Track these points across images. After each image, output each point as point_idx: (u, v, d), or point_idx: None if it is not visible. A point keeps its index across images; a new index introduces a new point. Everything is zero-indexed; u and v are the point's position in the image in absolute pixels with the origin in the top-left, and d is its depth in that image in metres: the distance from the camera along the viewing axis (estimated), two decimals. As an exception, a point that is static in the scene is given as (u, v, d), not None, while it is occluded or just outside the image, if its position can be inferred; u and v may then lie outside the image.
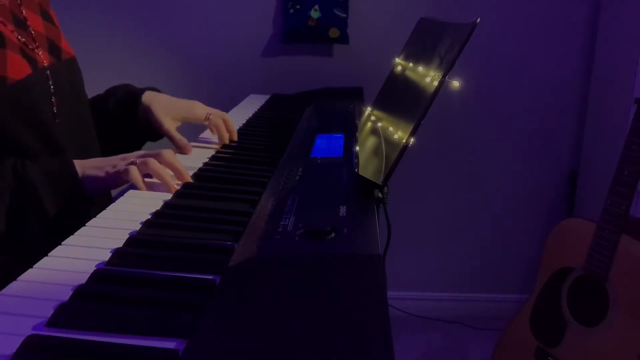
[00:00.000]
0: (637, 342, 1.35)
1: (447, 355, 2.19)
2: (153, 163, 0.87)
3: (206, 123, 1.16)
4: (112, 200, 1.02)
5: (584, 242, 1.49)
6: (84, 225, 0.73)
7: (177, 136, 1.13)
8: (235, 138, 1.19)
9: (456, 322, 2.33)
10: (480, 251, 2.36)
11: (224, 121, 1.17)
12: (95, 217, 0.76)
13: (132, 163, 0.87)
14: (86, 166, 0.88)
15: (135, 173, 0.86)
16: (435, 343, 2.24)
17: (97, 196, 0.90)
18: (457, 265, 2.38)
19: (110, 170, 0.87)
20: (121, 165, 0.87)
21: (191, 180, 0.90)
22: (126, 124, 1.16)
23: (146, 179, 0.89)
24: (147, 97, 1.15)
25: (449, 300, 2.40)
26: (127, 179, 0.86)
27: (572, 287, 1.54)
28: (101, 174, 0.87)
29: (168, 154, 0.89)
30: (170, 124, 1.13)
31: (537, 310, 1.64)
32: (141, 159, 0.88)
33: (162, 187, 0.87)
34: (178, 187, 0.87)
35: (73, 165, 0.87)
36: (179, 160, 0.91)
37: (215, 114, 1.17)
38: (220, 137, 1.16)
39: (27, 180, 0.82)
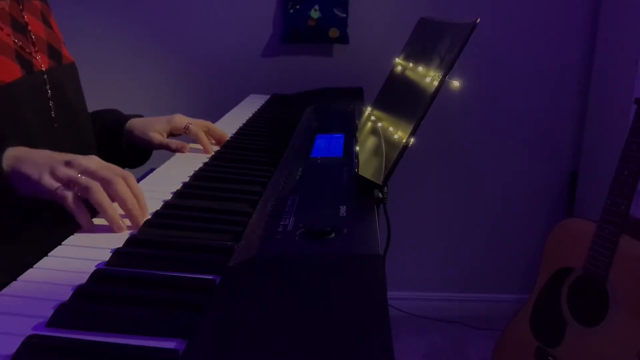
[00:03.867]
0: (637, 341, 1.35)
1: (447, 355, 2.19)
2: (97, 192, 0.70)
3: (186, 133, 1.15)
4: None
5: (584, 242, 1.49)
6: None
7: (171, 141, 1.13)
8: (227, 137, 1.18)
9: (456, 322, 2.33)
10: (480, 251, 2.36)
11: (209, 129, 1.16)
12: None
13: (72, 183, 0.70)
14: (25, 158, 0.73)
15: (72, 203, 0.69)
16: (435, 343, 2.24)
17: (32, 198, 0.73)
18: (457, 265, 2.38)
19: (47, 178, 0.71)
20: (61, 177, 0.71)
21: (142, 221, 0.72)
22: (109, 148, 1.16)
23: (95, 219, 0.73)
24: (129, 124, 1.16)
25: (449, 300, 2.40)
26: (62, 204, 0.70)
27: (572, 287, 1.54)
28: (36, 176, 0.71)
29: (121, 187, 0.71)
30: (158, 137, 1.14)
31: (537, 310, 1.64)
32: (85, 181, 0.70)
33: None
34: (123, 228, 0.71)
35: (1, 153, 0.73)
36: (138, 193, 0.74)
37: (196, 123, 1.16)
38: (203, 147, 1.12)
39: None
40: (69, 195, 0.70)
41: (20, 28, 0.95)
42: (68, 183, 0.71)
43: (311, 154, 1.01)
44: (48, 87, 0.96)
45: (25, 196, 0.73)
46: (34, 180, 0.71)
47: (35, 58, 0.96)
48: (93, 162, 0.73)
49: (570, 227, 1.60)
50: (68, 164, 0.72)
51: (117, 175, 0.72)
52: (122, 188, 0.72)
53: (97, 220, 0.74)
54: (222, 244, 0.67)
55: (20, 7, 0.97)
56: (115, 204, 0.72)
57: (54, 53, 1.01)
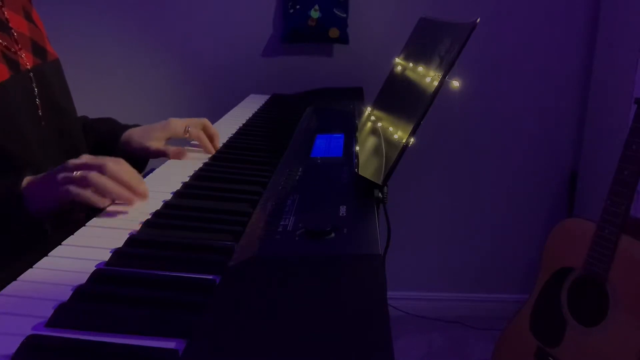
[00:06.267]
0: (637, 341, 1.35)
1: (447, 355, 2.19)
2: (93, 177, 0.75)
3: (187, 136, 1.13)
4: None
5: (584, 242, 1.49)
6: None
7: (168, 148, 1.11)
8: (218, 144, 1.15)
9: (456, 322, 2.33)
10: (480, 251, 2.36)
11: (205, 127, 1.14)
12: (94, 217, 0.76)
13: (70, 180, 0.75)
14: (32, 181, 0.78)
15: (76, 192, 0.74)
16: (435, 343, 2.24)
17: (55, 216, 0.79)
18: (457, 265, 2.38)
19: (50, 188, 0.76)
20: (59, 181, 0.76)
21: (145, 194, 0.79)
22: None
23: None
24: (125, 135, 1.14)
25: (449, 300, 2.40)
26: (72, 200, 0.75)
27: (572, 287, 1.54)
28: (41, 190, 0.77)
29: (112, 165, 0.77)
30: (155, 145, 1.12)
31: (537, 310, 1.64)
32: (81, 174, 0.75)
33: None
34: (134, 198, 0.77)
35: (19, 187, 0.77)
36: (130, 170, 0.79)
37: (194, 124, 1.14)
38: (204, 148, 1.11)
39: None
40: (71, 187, 0.75)
41: (2, 26, 0.94)
42: (67, 183, 0.75)
43: (311, 154, 1.01)
44: (34, 85, 0.95)
45: (37, 214, 0.77)
46: (40, 195, 0.77)
47: (21, 57, 0.94)
48: (83, 158, 0.78)
49: (570, 227, 1.60)
50: (63, 168, 0.77)
51: (106, 159, 0.77)
52: (113, 166, 0.77)
53: (101, 222, 0.74)
54: (222, 244, 0.67)
55: (1, 3, 0.95)
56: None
57: (38, 50, 1.00)
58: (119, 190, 0.76)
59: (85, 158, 0.78)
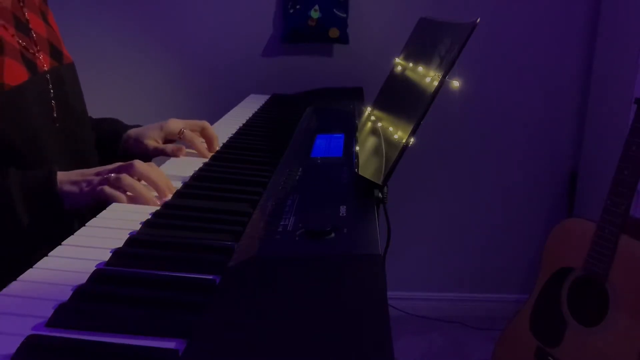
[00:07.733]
0: (637, 341, 1.35)
1: (447, 355, 2.19)
2: (125, 179, 0.83)
3: (180, 138, 1.12)
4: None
5: (584, 242, 1.49)
6: (81, 227, 0.72)
7: (166, 146, 1.11)
8: (216, 147, 1.13)
9: (456, 322, 2.33)
10: (480, 251, 2.36)
11: (203, 129, 1.13)
12: (94, 217, 0.76)
13: (104, 181, 0.83)
14: (64, 181, 0.84)
15: (110, 192, 0.82)
16: (435, 343, 2.24)
17: (79, 211, 0.85)
18: (457, 265, 2.38)
19: (85, 188, 0.83)
20: (95, 183, 0.83)
21: (170, 193, 0.85)
22: (106, 159, 1.14)
23: (129, 193, 0.84)
24: (124, 135, 1.15)
25: (449, 300, 2.40)
26: (104, 199, 0.82)
27: (572, 287, 1.54)
28: (77, 190, 0.83)
29: (141, 166, 0.84)
30: (153, 144, 1.12)
31: (537, 310, 1.64)
32: (114, 176, 0.83)
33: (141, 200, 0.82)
34: (158, 200, 0.83)
35: (54, 178, 0.83)
36: (158, 170, 0.87)
37: (193, 126, 1.13)
38: (198, 152, 1.09)
39: (3, 187, 0.80)
40: (105, 187, 0.82)
41: (22, 27, 0.95)
42: (102, 184, 0.83)
43: (311, 154, 1.01)
44: (51, 87, 0.96)
45: (70, 209, 0.84)
46: (76, 194, 0.83)
47: (39, 58, 0.95)
48: (116, 164, 0.86)
49: (570, 227, 1.60)
50: (98, 173, 0.85)
51: (136, 161, 0.85)
52: (143, 168, 0.84)
53: (108, 214, 0.76)
54: (222, 244, 0.67)
55: (21, 4, 0.96)
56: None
57: (55, 52, 1.01)
58: (147, 194, 0.82)
59: (118, 164, 0.86)
